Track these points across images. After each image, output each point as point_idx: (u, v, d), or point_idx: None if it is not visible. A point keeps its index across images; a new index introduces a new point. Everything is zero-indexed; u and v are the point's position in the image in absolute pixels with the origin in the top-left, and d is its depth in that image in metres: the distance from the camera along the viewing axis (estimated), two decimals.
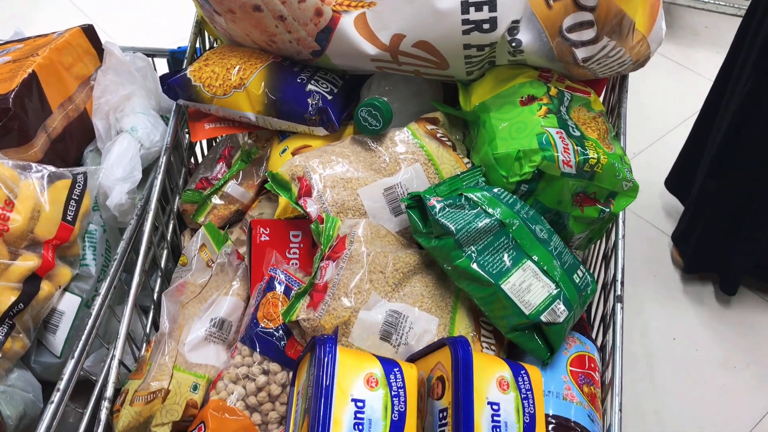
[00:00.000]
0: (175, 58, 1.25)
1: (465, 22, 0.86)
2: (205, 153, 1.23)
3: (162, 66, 1.28)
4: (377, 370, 0.68)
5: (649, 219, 1.78)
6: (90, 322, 0.90)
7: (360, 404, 0.66)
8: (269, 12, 0.91)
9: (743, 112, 1.32)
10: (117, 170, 1.04)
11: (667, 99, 2.16)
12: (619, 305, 0.83)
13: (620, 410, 0.76)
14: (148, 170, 1.11)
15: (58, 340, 0.99)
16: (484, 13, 0.86)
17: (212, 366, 0.84)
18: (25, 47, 1.15)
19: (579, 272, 0.84)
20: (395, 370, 0.69)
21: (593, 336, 0.92)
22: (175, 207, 1.05)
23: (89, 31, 1.19)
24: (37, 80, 1.05)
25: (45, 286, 0.95)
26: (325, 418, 0.64)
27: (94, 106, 1.14)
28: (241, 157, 1.05)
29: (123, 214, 1.05)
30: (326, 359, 0.67)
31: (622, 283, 0.86)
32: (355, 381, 0.67)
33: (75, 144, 1.13)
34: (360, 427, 0.65)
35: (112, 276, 0.95)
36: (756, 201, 1.38)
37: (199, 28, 1.15)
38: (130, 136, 1.08)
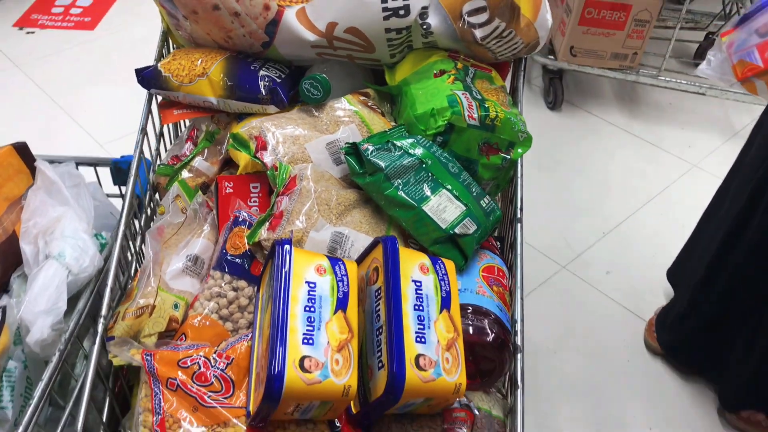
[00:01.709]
0: (118, 167, 1.25)
1: (384, 9, 1.08)
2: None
3: (105, 175, 1.31)
4: (325, 263, 0.87)
5: (620, 301, 1.83)
6: None
7: (312, 285, 0.84)
8: (226, 9, 1.12)
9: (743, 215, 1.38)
10: (40, 302, 0.99)
11: (636, 176, 2.26)
12: (519, 225, 1.04)
13: (522, 298, 0.96)
14: (78, 295, 1.07)
15: None
16: (399, 2, 1.08)
17: (189, 292, 1.00)
18: None
19: (485, 200, 1.05)
20: (339, 263, 0.88)
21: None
22: (150, 179, 1.23)
23: (22, 150, 1.17)
24: None
25: None
26: (285, 294, 0.82)
27: (22, 230, 1.09)
28: (205, 137, 1.24)
29: (44, 350, 0.98)
30: (284, 253, 0.85)
31: (521, 209, 1.07)
32: (308, 269, 0.85)
33: (1, 269, 1.08)
34: (312, 301, 0.83)
35: (25, 425, 0.85)
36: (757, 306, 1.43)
37: (165, 38, 1.34)
38: (57, 262, 1.03)
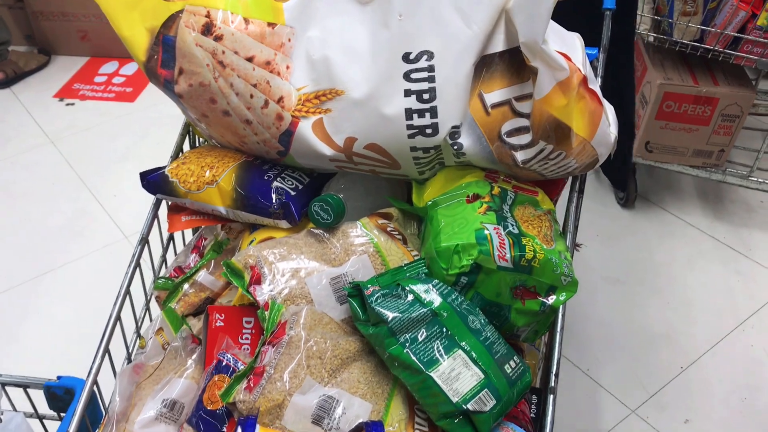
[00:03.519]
0: (51, 392, 1.06)
1: (409, 127, 0.94)
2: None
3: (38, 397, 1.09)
4: None
5: None
6: None
7: None
8: (236, 116, 1.01)
9: None
10: None
11: (721, 293, 1.94)
12: (551, 396, 0.86)
13: None
14: None
15: None
16: (426, 119, 0.94)
17: None
18: None
19: (512, 363, 0.87)
20: None
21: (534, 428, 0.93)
22: (150, 294, 1.12)
23: None
24: None
25: None
26: None
27: None
28: (213, 248, 1.12)
29: None
30: None
31: (557, 375, 0.88)
32: None
33: None
34: None
35: None
36: None
37: (188, 129, 1.25)
38: None
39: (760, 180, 2.01)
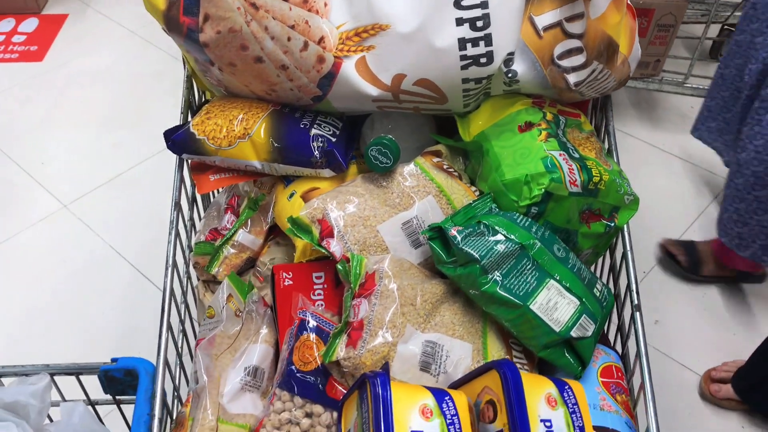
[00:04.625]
0: (109, 375, 0.94)
1: (463, 57, 0.90)
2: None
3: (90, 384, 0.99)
4: (430, 400, 0.70)
5: (677, 357, 1.62)
6: None
7: None
8: (271, 62, 0.94)
9: None
10: None
11: (668, 197, 2.01)
12: (638, 313, 0.87)
13: (656, 414, 0.79)
14: None
15: None
16: (481, 48, 0.90)
17: (251, 414, 0.84)
18: None
19: (598, 286, 0.88)
20: (446, 398, 0.71)
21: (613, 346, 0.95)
22: (189, 260, 1.05)
23: None
24: None
25: None
26: None
27: None
28: (248, 205, 1.06)
29: None
30: (383, 394, 0.68)
31: (638, 292, 0.89)
32: (411, 413, 0.68)
33: None
34: None
35: None
36: None
37: (190, 83, 1.16)
38: None
39: (694, 86, 2.09)
